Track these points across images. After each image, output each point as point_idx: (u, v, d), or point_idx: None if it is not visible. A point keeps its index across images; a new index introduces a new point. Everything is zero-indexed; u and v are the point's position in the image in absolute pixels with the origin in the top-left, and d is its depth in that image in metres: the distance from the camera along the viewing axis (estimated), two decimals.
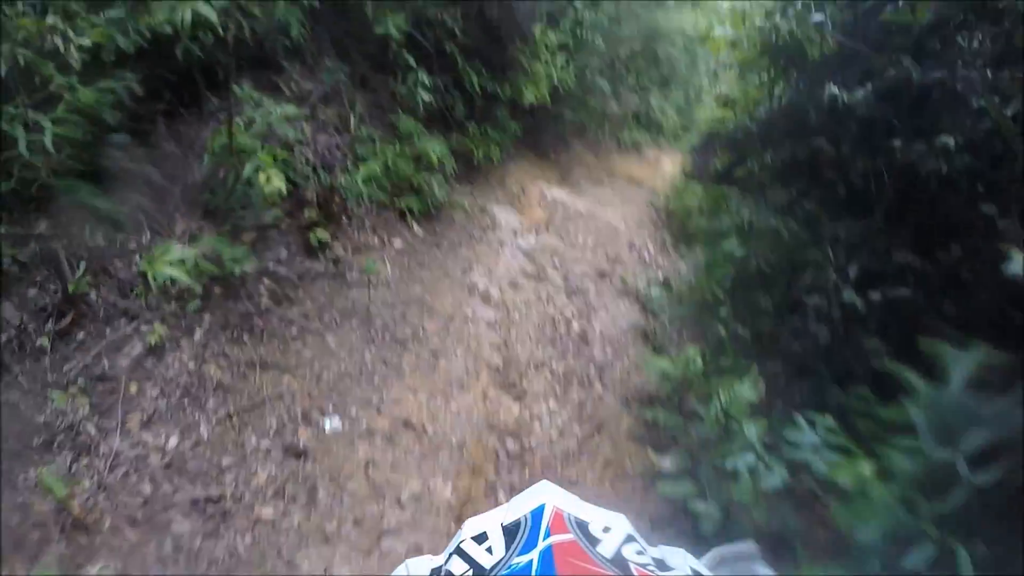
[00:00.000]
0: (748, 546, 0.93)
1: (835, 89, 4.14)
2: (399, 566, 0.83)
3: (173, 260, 3.59)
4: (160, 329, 3.62)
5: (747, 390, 3.71)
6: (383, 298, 4.75)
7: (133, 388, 3.41)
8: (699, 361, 3.98)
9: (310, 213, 4.64)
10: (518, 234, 6.71)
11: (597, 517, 0.73)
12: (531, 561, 0.63)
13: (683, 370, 4.00)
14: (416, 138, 6.00)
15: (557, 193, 8.47)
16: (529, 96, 8.05)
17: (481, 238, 6.31)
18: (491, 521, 0.74)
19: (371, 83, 6.14)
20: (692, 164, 9.76)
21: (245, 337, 3.95)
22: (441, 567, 0.71)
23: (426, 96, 6.12)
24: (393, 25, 5.66)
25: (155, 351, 3.59)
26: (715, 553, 0.92)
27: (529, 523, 0.71)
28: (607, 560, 0.64)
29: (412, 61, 5.99)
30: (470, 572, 0.66)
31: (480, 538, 0.72)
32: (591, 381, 4.54)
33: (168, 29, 3.76)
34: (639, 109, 13.17)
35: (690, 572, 0.73)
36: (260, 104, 4.42)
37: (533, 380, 4.48)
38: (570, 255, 6.62)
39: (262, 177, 3.85)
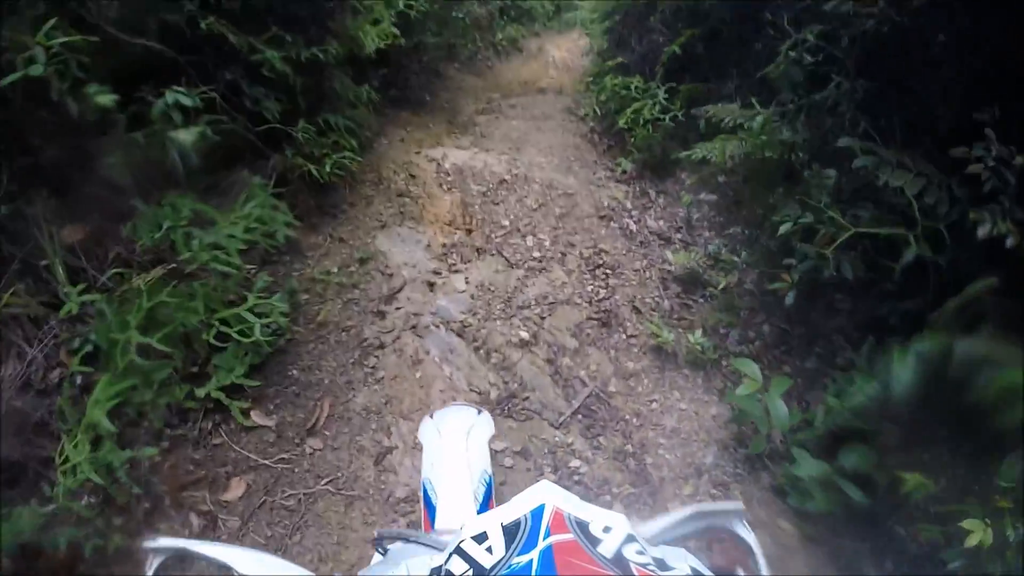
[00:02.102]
0: (733, 504, 0.88)
1: None
2: (399, 565, 0.76)
3: None
4: None
5: None
6: None
7: None
8: None
9: None
10: (436, 284, 3.46)
11: (597, 517, 0.67)
12: (531, 561, 0.57)
13: None
14: (188, 239, 2.64)
15: (457, 155, 5.16)
16: (372, 42, 4.56)
17: (379, 340, 3.06)
18: (491, 521, 0.67)
19: (68, 167, 2.69)
20: (612, 49, 6.41)
21: None
22: (441, 567, 0.64)
23: (187, 137, 2.77)
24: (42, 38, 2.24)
25: None
26: (695, 508, 0.87)
27: (529, 523, 0.64)
28: (607, 560, 0.58)
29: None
30: (470, 572, 0.60)
31: (480, 538, 0.65)
32: None
33: None
34: (503, 1, 9.63)
35: (690, 572, 0.65)
36: None
37: None
38: (532, 292, 3.43)
39: None
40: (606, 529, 0.64)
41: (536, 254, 3.70)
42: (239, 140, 3.50)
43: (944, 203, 2.30)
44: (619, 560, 0.59)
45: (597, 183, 4.74)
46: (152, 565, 0.83)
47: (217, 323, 2.64)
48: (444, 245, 3.82)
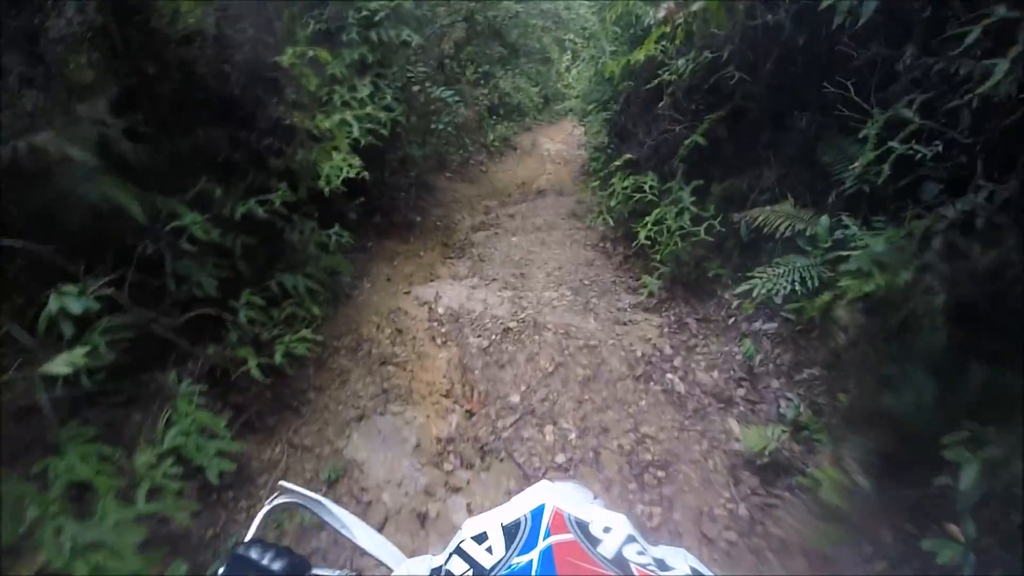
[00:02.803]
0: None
1: None
2: (399, 566, 0.75)
3: None
4: None
5: None
6: None
7: None
8: None
9: None
10: (429, 515, 2.48)
11: (598, 517, 0.64)
12: (531, 561, 0.55)
13: None
14: (58, 536, 1.69)
15: (453, 293, 4.28)
16: (339, 171, 3.74)
17: None
18: (491, 521, 0.65)
19: None
20: (615, 143, 5.52)
21: None
22: (441, 567, 0.62)
23: (64, 368, 1.92)
24: None
25: None
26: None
27: (529, 523, 0.62)
28: (608, 560, 0.56)
29: None
30: (470, 572, 0.58)
31: (480, 538, 0.62)
32: None
33: None
34: (491, 100, 9.01)
35: (690, 572, 0.62)
36: None
37: None
38: None
39: None
40: (606, 529, 0.60)
41: (560, 457, 2.67)
42: (158, 337, 2.62)
43: None
44: (619, 560, 0.55)
45: (622, 318, 3.79)
46: (272, 501, 0.81)
47: None
48: (439, 440, 2.85)
